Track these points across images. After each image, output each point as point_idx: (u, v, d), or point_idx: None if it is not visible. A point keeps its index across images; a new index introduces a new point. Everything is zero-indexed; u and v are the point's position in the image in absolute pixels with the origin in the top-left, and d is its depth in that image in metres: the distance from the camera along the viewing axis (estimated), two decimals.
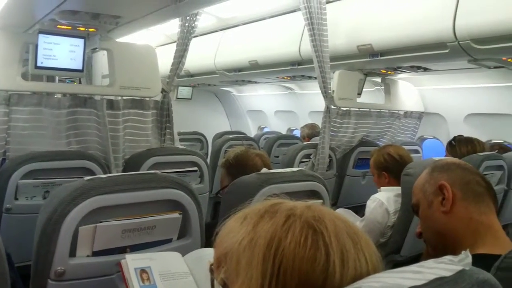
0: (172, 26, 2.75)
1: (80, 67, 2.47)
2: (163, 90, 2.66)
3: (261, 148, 4.21)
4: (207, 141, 4.79)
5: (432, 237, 1.25)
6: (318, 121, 3.16)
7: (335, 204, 3.34)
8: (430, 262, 0.59)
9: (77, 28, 2.33)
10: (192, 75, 4.99)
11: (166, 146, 2.68)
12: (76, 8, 2.05)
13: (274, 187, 1.51)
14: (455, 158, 1.77)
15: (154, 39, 5.13)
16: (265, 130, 6.19)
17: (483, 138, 2.96)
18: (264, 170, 1.60)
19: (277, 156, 3.85)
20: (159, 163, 2.27)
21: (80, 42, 2.44)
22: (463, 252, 0.61)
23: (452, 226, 1.18)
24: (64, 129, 2.34)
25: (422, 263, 0.59)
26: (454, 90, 3.60)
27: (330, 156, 3.14)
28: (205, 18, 4.11)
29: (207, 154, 4.60)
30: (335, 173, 3.25)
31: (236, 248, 0.61)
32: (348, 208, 3.18)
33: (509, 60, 2.57)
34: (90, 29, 2.34)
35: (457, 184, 1.20)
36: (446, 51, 2.41)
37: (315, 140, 3.27)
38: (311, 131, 4.14)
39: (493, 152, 2.60)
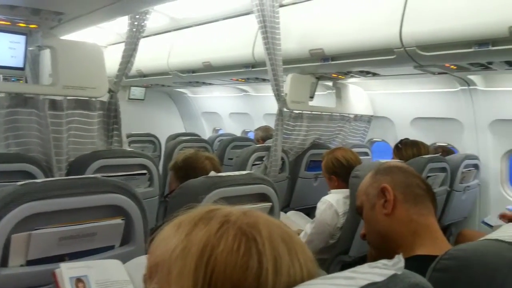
0: (124, 25, 2.66)
1: (21, 65, 2.34)
2: (110, 90, 2.57)
3: (215, 150, 4.18)
4: (160, 143, 4.69)
5: (374, 239, 1.28)
6: (273, 124, 3.18)
7: (287, 206, 3.36)
8: (364, 267, 0.59)
9: (17, 24, 2.21)
10: (145, 75, 4.88)
11: (113, 148, 2.59)
12: (14, 3, 1.93)
13: (222, 190, 1.49)
14: (398, 161, 1.83)
15: (105, 38, 4.98)
16: (220, 132, 6.15)
17: (428, 141, 3.08)
18: (212, 173, 1.57)
19: (231, 159, 3.83)
20: (106, 166, 2.18)
21: (21, 39, 2.31)
22: (396, 256, 0.61)
23: (393, 227, 1.21)
24: (2, 130, 2.20)
25: (356, 268, 0.59)
26: (402, 94, 3.73)
27: (282, 158, 3.16)
28: (158, 18, 4.03)
29: (160, 156, 4.51)
30: (288, 175, 3.27)
31: (168, 257, 0.59)
32: (301, 210, 3.22)
33: (451, 66, 2.68)
34: (31, 26, 2.22)
35: (399, 187, 1.24)
36: (393, 57, 2.49)
37: (269, 142, 3.29)
38: (265, 134, 4.15)
39: (437, 154, 2.71)
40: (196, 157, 1.95)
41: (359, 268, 0.58)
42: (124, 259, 1.10)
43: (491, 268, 0.81)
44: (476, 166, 3.23)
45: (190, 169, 1.87)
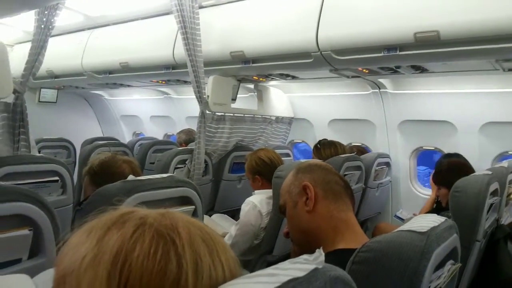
0: (32, 22, 2.46)
1: None
2: (15, 91, 2.36)
3: (136, 154, 4.02)
4: (74, 149, 4.40)
5: (297, 236, 1.30)
6: (196, 127, 3.13)
7: (211, 209, 3.33)
8: (286, 263, 0.59)
9: None
10: (56, 76, 4.56)
11: (21, 154, 2.37)
12: None
13: (142, 195, 1.42)
14: (318, 160, 1.88)
15: (12, 36, 4.58)
16: (141, 136, 5.94)
17: (344, 141, 3.24)
18: (131, 177, 1.50)
19: (152, 163, 3.71)
20: (12, 173, 1.99)
21: None
22: (317, 250, 0.62)
23: (315, 224, 1.24)
24: None
25: (278, 265, 0.58)
26: (320, 97, 3.88)
27: (206, 161, 3.13)
28: (71, 15, 3.79)
29: (74, 162, 4.23)
30: (211, 178, 3.24)
31: (77, 267, 0.53)
32: (225, 212, 3.21)
33: (364, 70, 2.84)
34: None
35: (319, 184, 1.27)
36: (311, 60, 2.58)
37: (192, 145, 3.23)
38: (188, 137, 4.08)
39: (352, 153, 2.85)
40: (114, 160, 1.85)
41: (281, 264, 0.58)
42: (34, 272, 1.00)
43: (404, 257, 0.85)
44: (387, 164, 3.45)
45: (106, 174, 1.76)
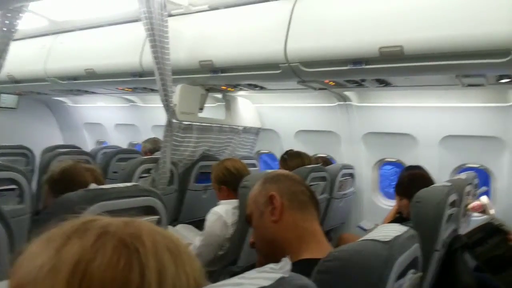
0: None
1: None
2: None
3: (99, 163, 3.91)
4: (34, 156, 4.24)
5: (263, 246, 1.30)
6: (162, 136, 3.08)
7: (176, 220, 3.28)
8: (252, 272, 0.58)
9: None
10: (17, 81, 4.40)
11: None
12: None
13: (105, 204, 1.38)
14: (285, 170, 1.89)
15: None
16: (104, 144, 5.79)
17: (310, 152, 3.27)
18: (93, 185, 1.45)
19: (116, 172, 3.62)
20: None
21: None
22: (283, 259, 0.62)
23: (280, 233, 1.24)
24: None
25: (244, 274, 0.58)
26: (287, 108, 3.92)
27: (171, 170, 3.08)
28: (35, 19, 3.68)
29: (33, 170, 4.07)
30: (177, 188, 3.20)
31: (33, 278, 0.50)
32: (190, 223, 3.16)
33: (330, 83, 2.90)
34: None
35: (286, 194, 1.28)
36: (279, 71, 2.61)
37: (157, 155, 3.18)
38: (153, 146, 4.01)
39: (318, 164, 2.88)
40: (75, 168, 1.79)
41: (247, 274, 0.58)
42: None
43: (368, 266, 0.86)
44: (351, 175, 3.51)
45: (68, 182, 1.71)
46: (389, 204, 3.61)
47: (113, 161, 3.69)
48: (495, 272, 2.04)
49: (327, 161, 3.62)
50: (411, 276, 1.05)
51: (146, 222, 0.59)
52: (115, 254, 0.50)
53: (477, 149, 3.16)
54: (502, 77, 2.34)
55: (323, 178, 2.90)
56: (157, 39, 2.71)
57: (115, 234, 0.53)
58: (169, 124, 2.99)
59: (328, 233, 3.44)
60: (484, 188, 3.09)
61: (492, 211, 2.68)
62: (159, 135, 3.93)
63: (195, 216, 3.34)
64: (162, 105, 2.93)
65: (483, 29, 1.93)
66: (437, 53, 2.05)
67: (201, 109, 3.40)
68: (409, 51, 2.10)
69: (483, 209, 2.62)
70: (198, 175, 3.35)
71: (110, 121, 5.71)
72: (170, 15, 2.97)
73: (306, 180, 2.56)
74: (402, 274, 0.98)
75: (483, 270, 2.14)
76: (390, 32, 2.15)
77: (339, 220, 3.54)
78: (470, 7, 1.96)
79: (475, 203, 2.62)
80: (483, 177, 3.26)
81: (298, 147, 3.50)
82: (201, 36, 2.96)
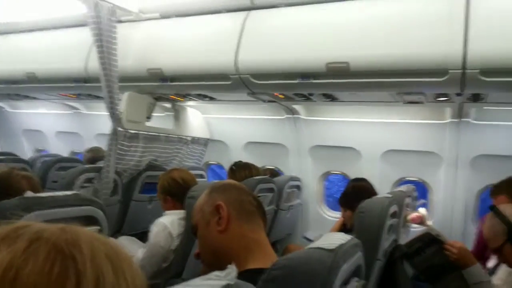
0: None
1: None
2: None
3: (37, 172, 3.69)
4: None
5: (208, 256, 1.27)
6: (106, 145, 2.98)
7: (119, 231, 3.16)
8: (197, 280, 0.57)
9: None
10: None
11: None
12: None
13: (42, 213, 1.31)
14: (232, 181, 1.88)
15: None
16: (44, 153, 5.50)
17: (259, 164, 3.29)
18: (29, 193, 1.37)
19: (56, 181, 3.44)
20: None
21: None
22: (228, 266, 0.61)
23: (227, 244, 1.22)
24: None
25: (189, 281, 0.56)
26: (236, 120, 3.93)
27: (115, 180, 2.98)
28: None
29: None
30: (120, 198, 3.09)
31: None
32: (134, 235, 3.06)
33: (280, 96, 2.95)
34: None
35: (232, 204, 1.27)
36: (229, 82, 2.61)
37: (101, 164, 3.06)
38: (95, 156, 3.86)
39: (266, 176, 2.90)
40: (10, 175, 1.68)
41: (192, 281, 0.56)
42: None
43: (313, 273, 0.87)
44: (298, 187, 3.57)
45: (2, 189, 1.60)
46: (334, 215, 3.70)
47: (52, 170, 3.50)
48: (432, 281, 2.14)
49: (275, 173, 3.66)
50: (354, 284, 1.07)
51: (84, 229, 0.56)
52: (48, 260, 0.47)
53: (416, 163, 3.32)
54: (439, 95, 2.49)
55: (270, 190, 2.92)
56: (104, 44, 2.64)
57: (49, 240, 0.49)
58: (114, 132, 2.91)
59: (274, 244, 3.46)
60: (422, 201, 3.25)
61: (429, 222, 2.82)
62: (103, 144, 3.80)
63: (139, 227, 3.23)
64: (107, 112, 2.84)
65: (423, 50, 2.05)
66: (380, 71, 2.15)
67: (148, 118, 3.32)
68: (355, 68, 2.18)
69: (421, 220, 2.75)
70: (143, 185, 3.25)
71: (51, 129, 5.44)
72: (119, 21, 2.91)
73: (254, 191, 2.57)
74: (346, 282, 1.00)
75: (421, 279, 2.24)
76: (337, 48, 2.23)
77: (286, 231, 3.57)
78: (412, 28, 2.08)
79: (414, 214, 2.75)
80: (422, 190, 3.44)
81: (246, 158, 3.51)
82: (150, 44, 2.91)
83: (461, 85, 2.09)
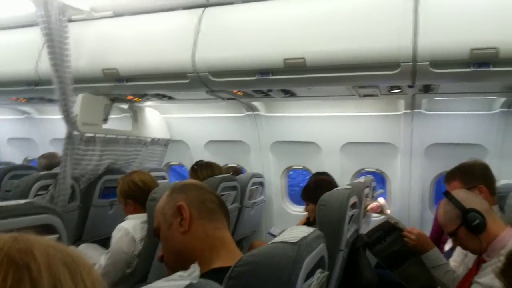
0: None
1: None
2: None
3: None
4: None
5: (172, 259, 1.26)
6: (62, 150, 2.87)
7: (79, 239, 3.06)
8: (160, 282, 0.56)
9: None
10: None
11: None
12: None
13: None
14: (193, 180, 1.87)
15: None
16: None
17: (221, 162, 3.28)
18: None
19: (9, 191, 3.28)
20: None
21: None
22: (191, 265, 0.61)
23: (190, 244, 1.21)
24: None
25: (152, 284, 0.55)
26: (196, 119, 3.90)
27: (72, 186, 2.88)
28: None
29: None
30: (79, 204, 2.99)
31: None
32: (96, 241, 2.98)
33: (239, 93, 2.95)
34: None
35: (194, 204, 1.26)
36: (187, 81, 2.59)
37: (57, 170, 2.95)
38: (50, 162, 3.71)
39: (229, 174, 2.90)
40: None
41: (155, 283, 0.55)
42: None
43: (277, 267, 0.88)
44: (261, 184, 3.59)
45: None
46: (297, 210, 3.75)
47: (5, 178, 3.34)
48: (393, 267, 2.22)
49: (237, 170, 3.66)
50: (318, 275, 1.09)
51: (39, 237, 0.54)
52: (1, 271, 0.45)
53: (374, 155, 3.42)
54: (393, 87, 2.57)
55: (233, 188, 2.92)
56: (56, 45, 2.54)
57: (1, 250, 0.48)
58: (70, 136, 2.81)
59: (240, 242, 3.47)
60: (381, 190, 3.35)
61: (388, 211, 2.91)
62: (59, 149, 3.67)
63: (100, 234, 3.15)
64: (61, 116, 2.74)
65: (376, 44, 2.11)
66: (335, 65, 2.20)
67: (105, 120, 3.23)
68: (311, 63, 2.22)
69: (380, 210, 2.84)
70: (103, 190, 3.17)
71: (2, 135, 5.18)
72: (71, 21, 2.81)
73: (217, 190, 2.56)
74: (310, 274, 1.01)
75: (383, 266, 2.31)
76: (294, 44, 2.26)
77: (251, 228, 3.59)
78: (364, 23, 2.14)
79: (373, 204, 2.83)
80: (380, 180, 3.55)
81: (208, 157, 3.49)
82: (105, 43, 2.83)
83: (412, 77, 2.17)
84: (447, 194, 1.81)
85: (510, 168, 3.07)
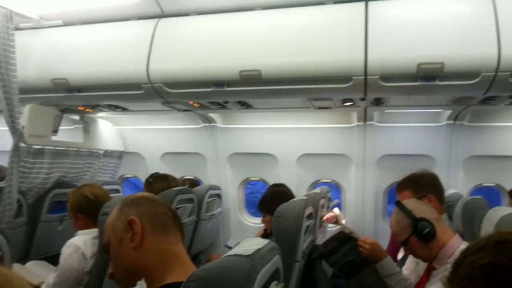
0: None
1: None
2: None
3: None
4: None
5: (124, 276, 1.21)
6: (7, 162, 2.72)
7: (26, 256, 2.90)
8: None
9: None
10: None
11: None
12: None
13: None
14: (145, 193, 1.82)
15: None
16: None
17: (177, 175, 3.23)
18: None
19: None
20: None
21: None
22: (138, 282, 0.58)
23: (143, 260, 1.17)
24: None
25: None
26: (152, 130, 3.82)
27: (19, 201, 2.74)
28: None
29: None
30: (26, 220, 2.84)
31: None
32: (44, 259, 2.84)
33: (195, 104, 2.92)
34: None
35: (146, 217, 1.22)
36: (141, 92, 2.54)
37: (2, 184, 2.79)
38: None
39: (185, 186, 2.85)
40: None
41: None
42: None
43: (230, 281, 0.86)
44: (219, 196, 3.56)
45: None
46: (255, 222, 3.75)
47: None
48: (349, 277, 2.25)
49: (194, 182, 3.61)
50: (274, 287, 1.08)
51: None
52: None
53: (329, 166, 3.49)
54: (346, 100, 2.64)
55: (190, 200, 2.88)
56: (1, 53, 2.44)
57: None
58: (16, 148, 2.68)
59: (197, 256, 3.41)
60: (336, 201, 3.41)
61: (343, 221, 2.96)
62: (5, 162, 3.48)
63: (49, 250, 3.01)
64: (7, 127, 2.61)
65: (329, 57, 2.16)
66: (290, 78, 2.23)
67: (55, 131, 3.11)
68: (266, 75, 2.24)
69: (336, 220, 2.88)
70: (52, 204, 3.03)
71: None
72: (18, 29, 2.70)
73: (173, 202, 2.51)
74: (265, 286, 1.00)
75: (339, 276, 2.34)
76: (250, 56, 2.28)
77: (208, 242, 3.54)
78: (318, 37, 2.19)
79: (329, 214, 2.87)
80: (335, 191, 3.61)
81: (164, 169, 3.43)
82: (54, 53, 2.73)
83: (364, 90, 2.23)
84: (398, 203, 1.86)
85: (457, 178, 3.23)
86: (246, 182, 3.83)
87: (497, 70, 1.97)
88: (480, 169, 3.20)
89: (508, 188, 2.81)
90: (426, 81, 2.10)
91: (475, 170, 3.21)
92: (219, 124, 3.55)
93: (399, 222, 1.81)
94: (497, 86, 2.05)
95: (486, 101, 2.48)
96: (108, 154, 3.71)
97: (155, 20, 2.54)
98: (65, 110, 3.18)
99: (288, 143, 3.47)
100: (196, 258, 3.39)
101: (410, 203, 1.86)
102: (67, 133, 3.57)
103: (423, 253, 1.77)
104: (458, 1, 2.12)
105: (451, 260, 1.59)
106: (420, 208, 1.82)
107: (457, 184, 3.20)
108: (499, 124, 3.09)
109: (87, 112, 3.39)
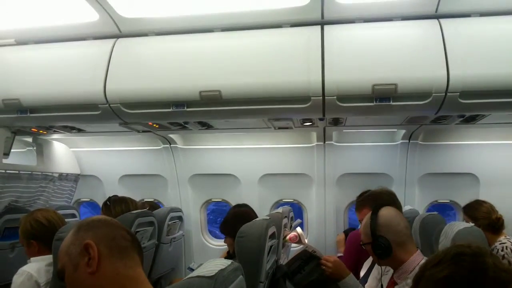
0: None
1: None
2: None
3: None
4: None
5: None
6: None
7: None
8: None
9: None
10: None
11: None
12: None
13: None
14: (102, 216, 1.76)
15: None
16: None
17: (136, 197, 3.15)
18: None
19: None
20: None
21: None
22: None
23: (99, 286, 1.12)
24: None
25: None
26: (110, 152, 3.73)
27: None
28: None
29: None
30: None
31: None
32: None
33: (155, 125, 2.88)
34: None
35: (103, 241, 1.17)
36: (98, 112, 2.48)
37: None
38: None
39: (145, 209, 2.78)
40: None
41: None
42: None
43: None
44: (180, 218, 3.49)
45: None
46: (217, 244, 3.70)
47: None
48: None
49: (154, 205, 3.53)
50: None
51: None
52: None
53: (291, 185, 3.52)
54: (305, 120, 2.69)
55: (150, 223, 2.80)
56: None
57: None
58: None
59: (158, 281, 3.30)
60: (298, 220, 3.42)
61: (306, 240, 2.97)
62: None
63: (0, 279, 2.82)
64: None
65: (288, 78, 2.20)
66: (250, 98, 2.26)
67: (6, 154, 2.96)
68: (226, 96, 2.25)
69: (298, 239, 2.89)
70: (3, 230, 2.86)
71: None
72: None
73: (132, 226, 2.43)
74: None
75: None
76: (210, 77, 2.28)
77: (170, 266, 3.45)
78: (277, 59, 2.24)
79: (292, 234, 2.87)
80: (298, 210, 3.64)
81: (123, 192, 3.33)
82: (6, 72, 2.63)
83: (322, 111, 2.29)
84: (375, 211, 1.83)
85: (413, 195, 3.34)
86: (208, 204, 3.78)
87: (446, 91, 2.08)
88: (435, 187, 3.33)
89: (462, 204, 2.93)
90: (381, 102, 2.18)
91: (430, 187, 3.33)
92: (180, 145, 3.51)
93: (365, 226, 1.83)
94: (447, 106, 2.15)
95: (437, 120, 2.60)
96: (63, 177, 3.57)
97: (113, 40, 2.51)
98: (18, 131, 3.05)
99: (249, 163, 3.48)
100: (157, 284, 3.28)
101: (385, 217, 1.79)
102: (20, 156, 3.42)
103: (379, 261, 1.81)
104: (409, 26, 2.24)
105: (411, 275, 1.62)
106: (391, 225, 1.76)
107: (413, 201, 3.31)
108: (451, 143, 3.24)
109: (41, 134, 3.26)
